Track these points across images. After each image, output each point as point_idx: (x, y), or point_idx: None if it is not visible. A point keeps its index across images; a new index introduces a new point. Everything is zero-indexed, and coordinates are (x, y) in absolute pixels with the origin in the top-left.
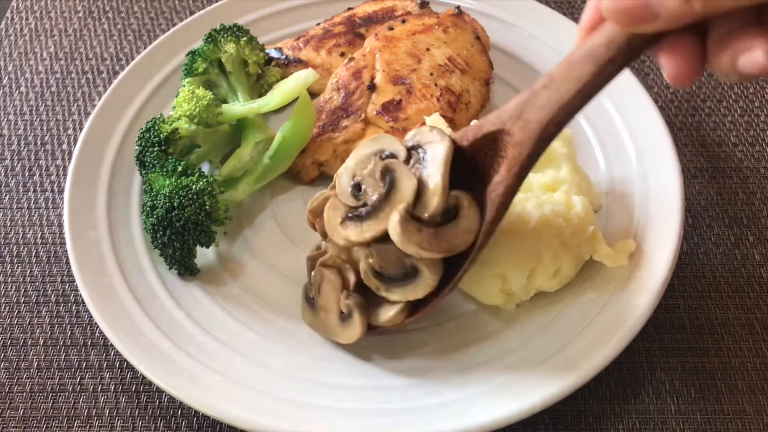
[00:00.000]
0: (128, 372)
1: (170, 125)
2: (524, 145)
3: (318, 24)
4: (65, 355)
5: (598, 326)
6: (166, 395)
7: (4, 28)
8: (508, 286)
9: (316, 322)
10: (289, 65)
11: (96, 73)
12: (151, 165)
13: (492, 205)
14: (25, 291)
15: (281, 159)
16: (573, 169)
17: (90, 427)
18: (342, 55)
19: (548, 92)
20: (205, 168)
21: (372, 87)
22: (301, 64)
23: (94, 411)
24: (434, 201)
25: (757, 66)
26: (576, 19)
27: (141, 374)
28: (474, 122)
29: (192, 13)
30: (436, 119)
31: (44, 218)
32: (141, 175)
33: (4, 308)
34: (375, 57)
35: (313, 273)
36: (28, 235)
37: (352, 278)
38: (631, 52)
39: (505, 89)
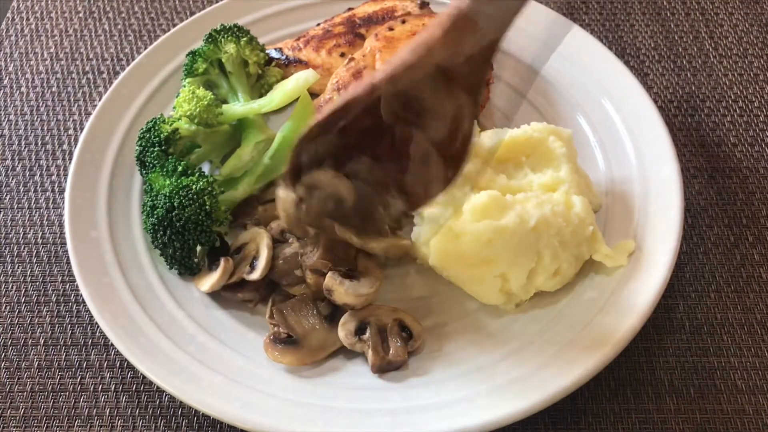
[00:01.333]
0: (129, 372)
1: (170, 125)
2: None
3: (318, 24)
4: (66, 355)
5: (598, 326)
6: (166, 395)
7: (5, 28)
8: (508, 286)
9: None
10: (289, 65)
11: (97, 73)
12: (151, 165)
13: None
14: (25, 291)
15: (281, 159)
16: (573, 169)
17: (90, 426)
18: (342, 55)
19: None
20: (205, 168)
21: None
22: (302, 64)
23: (95, 411)
24: None
25: None
26: (576, 20)
27: (141, 374)
28: (343, 98)
29: (192, 13)
30: None
31: (45, 218)
32: (141, 175)
33: (5, 308)
34: (375, 57)
35: None
36: (29, 235)
37: None
38: None
39: (505, 89)
